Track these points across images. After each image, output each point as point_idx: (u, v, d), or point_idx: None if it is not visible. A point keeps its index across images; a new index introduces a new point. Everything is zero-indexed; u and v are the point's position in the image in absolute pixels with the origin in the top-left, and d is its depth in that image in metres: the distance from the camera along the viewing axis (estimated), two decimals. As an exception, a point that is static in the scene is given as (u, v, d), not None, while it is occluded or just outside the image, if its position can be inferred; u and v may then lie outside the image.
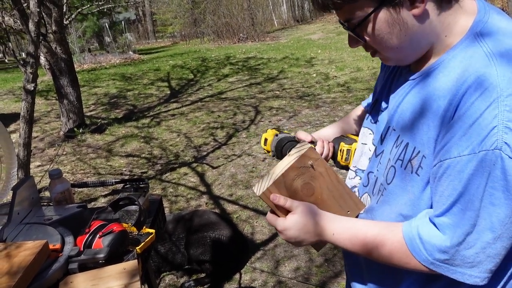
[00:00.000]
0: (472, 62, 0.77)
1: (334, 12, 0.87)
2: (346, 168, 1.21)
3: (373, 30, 0.83)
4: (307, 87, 7.33)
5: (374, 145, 1.04)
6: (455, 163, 0.75)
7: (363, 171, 1.08)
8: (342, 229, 0.94)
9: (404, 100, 0.91)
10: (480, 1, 0.85)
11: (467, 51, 0.80)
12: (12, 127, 6.48)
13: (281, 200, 0.95)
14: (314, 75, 8.16)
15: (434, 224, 0.81)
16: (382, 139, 0.99)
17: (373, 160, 1.02)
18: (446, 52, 0.84)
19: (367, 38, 0.86)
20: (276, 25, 19.40)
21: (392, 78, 1.01)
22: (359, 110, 1.32)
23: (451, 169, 0.76)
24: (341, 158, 1.21)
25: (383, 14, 0.81)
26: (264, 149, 1.36)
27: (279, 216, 0.97)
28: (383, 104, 1.02)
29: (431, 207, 0.85)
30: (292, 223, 0.94)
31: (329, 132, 1.33)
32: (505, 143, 0.70)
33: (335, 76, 7.77)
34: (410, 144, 0.87)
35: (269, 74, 8.76)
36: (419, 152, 0.84)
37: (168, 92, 8.28)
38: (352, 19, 0.84)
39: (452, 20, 0.82)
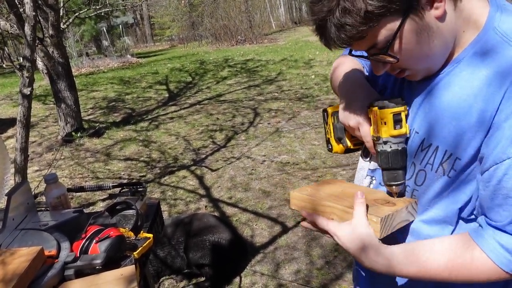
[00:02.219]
0: (505, 61, 0.75)
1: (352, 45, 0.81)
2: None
3: (402, 45, 0.78)
4: (305, 88, 7.32)
5: None
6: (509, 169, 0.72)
7: (372, 170, 1.04)
8: (404, 263, 0.85)
9: (425, 101, 0.87)
10: None
11: (493, 48, 0.77)
12: (9, 132, 6.46)
13: (357, 209, 0.87)
14: (313, 76, 8.15)
15: (507, 232, 0.77)
16: None
17: None
18: (465, 49, 0.82)
19: (398, 57, 0.80)
20: (274, 27, 19.42)
21: (399, 83, 0.96)
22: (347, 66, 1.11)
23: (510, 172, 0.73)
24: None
25: (409, 25, 0.76)
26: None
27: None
28: None
29: (461, 207, 0.84)
30: (342, 233, 0.88)
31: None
32: None
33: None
34: (441, 147, 0.83)
35: (268, 76, 8.75)
36: (451, 154, 0.82)
37: (167, 95, 8.26)
38: (376, 44, 0.78)
39: (466, 14, 0.80)
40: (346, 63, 1.12)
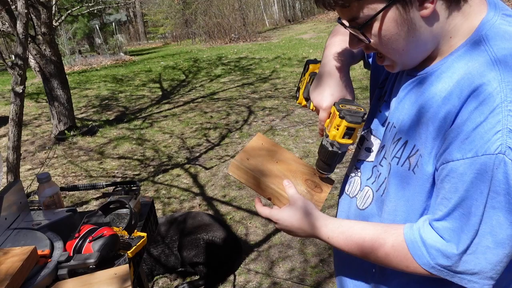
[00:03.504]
0: (476, 66, 0.76)
1: (336, 10, 0.83)
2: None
3: (380, 29, 0.80)
4: (299, 86, 7.32)
5: (379, 138, 1.02)
6: (458, 166, 0.74)
7: (362, 161, 1.06)
8: (337, 233, 0.94)
9: (405, 98, 0.90)
10: (492, 1, 0.82)
11: (472, 54, 0.78)
12: (1, 130, 6.41)
13: (289, 191, 1.01)
14: (306, 74, 8.15)
15: (433, 228, 0.80)
16: (384, 134, 0.99)
17: (378, 154, 1.00)
18: (450, 53, 0.82)
19: (372, 39, 0.83)
20: (267, 25, 19.40)
21: (396, 73, 0.99)
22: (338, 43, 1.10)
23: (454, 172, 0.75)
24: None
25: (392, 13, 0.78)
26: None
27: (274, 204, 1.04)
28: (386, 98, 1.01)
29: (426, 207, 0.85)
30: (284, 216, 1.00)
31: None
32: (509, 147, 0.69)
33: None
34: (410, 142, 0.86)
35: (262, 74, 8.74)
36: (417, 150, 0.84)
37: (160, 93, 8.23)
38: (357, 17, 0.80)
39: (459, 21, 0.80)
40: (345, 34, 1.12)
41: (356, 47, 0.88)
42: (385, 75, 1.05)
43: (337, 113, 0.93)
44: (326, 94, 0.99)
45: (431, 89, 0.83)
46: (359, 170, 1.07)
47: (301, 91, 1.11)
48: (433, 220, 0.80)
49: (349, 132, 0.93)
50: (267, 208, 1.03)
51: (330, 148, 0.98)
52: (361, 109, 0.93)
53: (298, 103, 1.15)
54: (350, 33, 0.86)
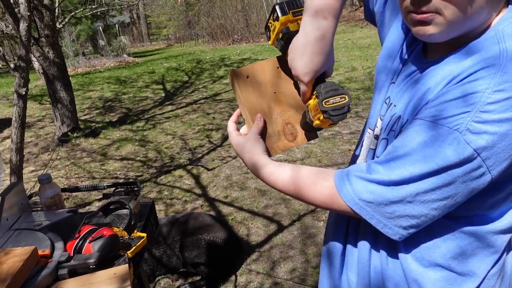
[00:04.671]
0: (483, 56, 0.75)
1: None
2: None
3: None
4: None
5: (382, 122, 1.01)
6: (416, 123, 0.78)
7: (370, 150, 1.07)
8: (273, 169, 0.98)
9: (411, 80, 0.90)
10: None
11: (484, 45, 0.77)
12: (5, 132, 6.45)
13: (253, 128, 1.04)
14: (309, 75, 8.15)
15: (369, 166, 0.84)
16: (385, 114, 0.99)
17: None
18: (465, 45, 0.81)
19: None
20: (270, 26, 19.40)
21: (404, 61, 0.97)
22: None
23: (411, 128, 0.79)
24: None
25: None
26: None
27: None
28: (395, 79, 1.00)
29: None
30: (235, 142, 1.08)
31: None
32: (469, 130, 0.71)
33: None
34: (404, 116, 0.87)
35: (264, 75, 8.74)
36: (404, 119, 0.86)
37: (163, 94, 8.26)
38: None
39: (493, 9, 0.79)
40: None
41: (424, 5, 0.77)
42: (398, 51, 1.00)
43: (321, 112, 0.92)
44: (308, 68, 0.93)
45: (436, 71, 0.83)
46: (364, 160, 1.07)
47: (273, 36, 1.02)
48: (374, 161, 0.84)
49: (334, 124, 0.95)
50: (234, 130, 1.10)
51: (313, 125, 0.98)
52: (345, 99, 0.91)
53: (270, 44, 1.08)
54: None
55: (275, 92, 1.07)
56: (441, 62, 0.84)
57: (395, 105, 0.92)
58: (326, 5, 0.88)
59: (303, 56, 0.93)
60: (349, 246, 1.07)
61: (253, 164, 1.02)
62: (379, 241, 0.96)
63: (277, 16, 0.97)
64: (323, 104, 0.91)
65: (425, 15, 0.78)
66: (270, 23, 1.02)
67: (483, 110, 0.71)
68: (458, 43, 0.82)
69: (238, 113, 1.10)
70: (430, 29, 0.79)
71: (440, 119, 0.75)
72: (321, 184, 0.89)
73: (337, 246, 1.10)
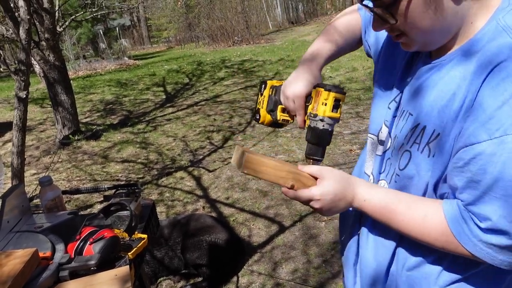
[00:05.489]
0: (496, 47, 0.75)
1: None
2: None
3: (407, 8, 0.79)
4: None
5: (387, 127, 1.01)
6: (485, 147, 0.72)
7: (377, 156, 1.06)
8: (374, 196, 0.93)
9: (422, 85, 0.89)
10: None
11: (494, 36, 0.77)
12: (7, 136, 6.47)
13: (312, 168, 0.97)
14: (309, 76, 8.15)
15: (473, 213, 0.78)
16: (393, 123, 0.98)
17: (390, 145, 0.99)
18: (469, 40, 0.81)
19: (397, 19, 0.81)
20: (270, 27, 19.43)
21: (409, 61, 0.98)
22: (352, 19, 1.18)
23: (481, 154, 0.72)
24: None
25: None
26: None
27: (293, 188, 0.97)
28: (394, 88, 1.00)
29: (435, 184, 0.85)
30: (327, 188, 0.93)
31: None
32: None
33: (331, 77, 7.77)
34: (428, 127, 0.84)
35: (265, 77, 8.75)
36: (438, 134, 0.82)
37: (164, 96, 8.27)
38: None
39: (479, 5, 0.80)
40: (343, 22, 1.18)
41: (380, 29, 0.87)
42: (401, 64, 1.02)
43: (322, 89, 0.98)
44: (303, 83, 1.03)
45: (450, 73, 0.82)
46: (372, 165, 1.07)
47: (263, 106, 1.14)
48: (467, 204, 0.78)
49: (336, 105, 0.98)
50: (306, 190, 0.95)
51: (321, 127, 1.00)
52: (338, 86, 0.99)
53: (261, 123, 1.16)
54: (375, 14, 0.85)
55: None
56: (450, 62, 0.83)
57: (411, 114, 0.90)
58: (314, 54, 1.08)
59: (296, 77, 1.05)
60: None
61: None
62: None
63: (265, 85, 1.14)
64: (321, 84, 1.00)
65: (398, 39, 0.86)
66: (259, 100, 1.15)
67: None
68: (458, 38, 0.83)
69: (287, 189, 0.99)
70: (410, 46, 0.87)
71: (506, 129, 0.70)
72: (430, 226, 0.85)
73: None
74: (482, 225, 0.76)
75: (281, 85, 1.12)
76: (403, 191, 0.92)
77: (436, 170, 0.83)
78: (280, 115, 1.12)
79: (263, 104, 1.15)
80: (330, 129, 1.01)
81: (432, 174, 0.84)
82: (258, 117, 1.16)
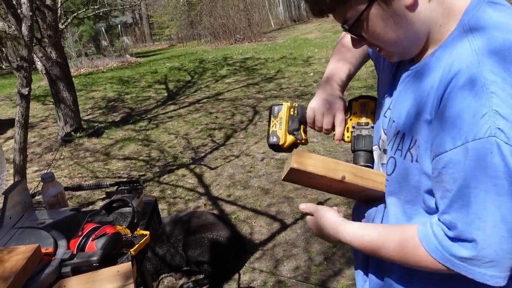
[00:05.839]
0: (458, 55, 0.76)
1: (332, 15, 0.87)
2: None
3: (369, 27, 0.83)
4: (304, 86, 7.32)
5: (386, 135, 1.03)
6: (451, 155, 0.73)
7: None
8: (353, 235, 0.95)
9: (401, 92, 0.92)
10: None
11: (456, 44, 0.79)
12: (9, 132, 6.47)
13: (311, 207, 1.07)
14: (312, 74, 8.15)
15: (440, 221, 0.79)
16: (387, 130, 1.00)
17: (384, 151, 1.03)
18: (440, 44, 0.83)
19: (365, 36, 0.86)
20: (272, 25, 19.39)
21: (395, 69, 1.00)
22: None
23: (449, 163, 0.73)
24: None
25: (375, 10, 0.80)
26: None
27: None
28: (387, 97, 1.02)
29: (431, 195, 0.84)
30: (311, 224, 1.08)
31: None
32: (499, 129, 0.67)
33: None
34: (407, 134, 0.86)
35: (267, 74, 8.75)
36: (416, 141, 0.84)
37: (166, 94, 8.27)
38: (347, 20, 0.84)
39: (445, 8, 0.81)
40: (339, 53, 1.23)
41: (358, 46, 0.91)
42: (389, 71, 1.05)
43: (371, 100, 1.10)
44: (341, 99, 1.12)
45: (423, 81, 0.84)
46: None
47: (283, 128, 1.12)
48: (440, 214, 0.79)
49: (373, 111, 1.10)
50: (312, 205, 1.08)
51: (364, 134, 1.07)
52: (369, 121, 1.08)
53: (281, 145, 1.12)
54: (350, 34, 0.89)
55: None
56: (423, 66, 0.85)
57: (393, 121, 0.93)
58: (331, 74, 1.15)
59: (330, 108, 1.11)
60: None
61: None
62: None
63: (279, 107, 1.14)
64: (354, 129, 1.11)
65: (379, 52, 0.91)
66: (273, 122, 1.14)
67: (496, 105, 0.69)
68: (431, 42, 0.85)
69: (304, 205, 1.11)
70: (391, 57, 0.91)
71: (467, 137, 0.71)
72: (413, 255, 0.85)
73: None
74: (450, 233, 0.76)
75: (302, 105, 1.14)
76: (396, 195, 0.94)
77: (422, 174, 0.84)
78: (303, 135, 1.13)
79: (281, 126, 1.12)
80: (371, 134, 1.07)
81: (418, 179, 0.85)
82: (275, 140, 1.12)
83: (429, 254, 0.80)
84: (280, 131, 1.12)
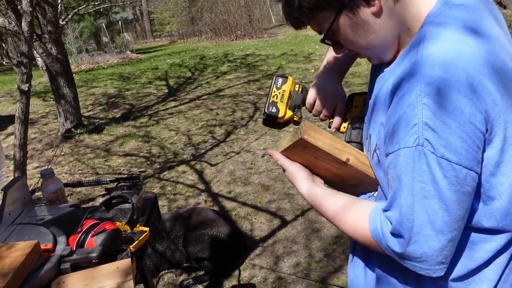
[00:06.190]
0: (407, 64, 0.79)
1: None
2: None
3: (341, 36, 0.88)
4: (305, 82, 7.28)
5: None
6: (391, 158, 0.79)
7: None
8: (315, 197, 1.00)
9: (373, 94, 0.95)
10: None
11: (411, 52, 0.81)
12: (9, 129, 6.47)
13: (276, 157, 1.07)
14: (312, 70, 8.14)
15: (385, 216, 0.83)
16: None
17: None
18: (404, 50, 0.85)
19: (342, 43, 0.91)
20: (273, 21, 19.35)
21: (378, 71, 1.01)
22: None
23: (390, 164, 0.80)
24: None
25: (343, 20, 0.84)
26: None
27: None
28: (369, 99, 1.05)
29: None
30: (287, 174, 1.07)
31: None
32: (426, 139, 0.73)
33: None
34: (373, 135, 0.91)
35: (268, 71, 8.73)
36: (376, 144, 0.88)
37: (166, 90, 8.26)
38: (322, 30, 0.89)
39: (411, 13, 0.83)
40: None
41: (340, 52, 0.96)
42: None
43: (364, 96, 1.10)
44: (342, 90, 1.15)
45: (384, 86, 0.87)
46: None
47: (284, 101, 1.09)
48: (384, 207, 0.83)
49: None
50: (287, 161, 1.07)
51: (363, 127, 1.05)
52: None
53: (280, 117, 1.09)
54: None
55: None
56: (390, 71, 0.87)
57: (365, 123, 0.97)
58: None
59: (330, 84, 1.14)
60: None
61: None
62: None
63: (284, 79, 1.11)
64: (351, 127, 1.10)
65: (359, 56, 0.95)
66: (273, 93, 1.10)
67: (427, 117, 0.73)
68: (402, 45, 0.87)
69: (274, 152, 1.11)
70: (371, 61, 0.95)
71: (400, 143, 0.76)
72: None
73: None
74: (389, 227, 0.81)
75: (305, 85, 1.14)
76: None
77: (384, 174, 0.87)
78: (301, 114, 1.13)
79: (282, 98, 1.09)
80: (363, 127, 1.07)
81: (383, 178, 0.89)
82: (274, 111, 1.09)
83: (372, 237, 0.85)
84: (281, 104, 1.09)
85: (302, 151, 0.99)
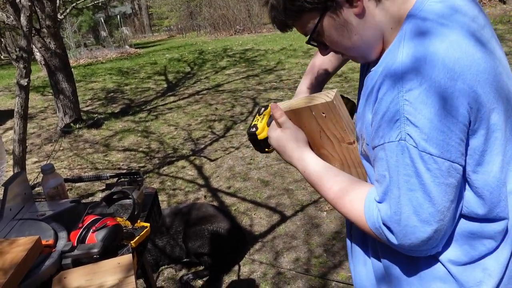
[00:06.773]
0: (389, 62, 0.80)
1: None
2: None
3: (325, 37, 0.90)
4: (304, 78, 7.29)
5: None
6: (377, 151, 0.82)
7: None
8: (312, 172, 0.98)
9: (361, 92, 0.96)
10: None
11: (394, 50, 0.82)
12: (8, 123, 6.46)
13: (278, 112, 1.02)
14: (312, 65, 8.12)
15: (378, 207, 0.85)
16: None
17: None
18: (388, 48, 0.86)
19: (327, 44, 0.93)
20: (272, 16, 19.32)
21: (366, 71, 1.03)
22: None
23: (377, 156, 0.82)
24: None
25: (327, 21, 0.87)
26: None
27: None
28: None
29: None
30: (276, 136, 1.04)
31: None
32: (408, 134, 0.75)
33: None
34: (364, 134, 0.91)
35: (267, 66, 8.72)
36: (364, 139, 0.90)
37: (165, 85, 8.24)
38: (307, 32, 0.91)
39: (393, 11, 0.85)
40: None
41: (325, 53, 0.97)
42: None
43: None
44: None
45: (371, 84, 0.88)
46: None
47: (264, 122, 1.16)
48: (376, 197, 0.85)
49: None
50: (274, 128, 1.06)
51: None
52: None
53: (257, 134, 1.15)
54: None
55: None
56: (375, 71, 0.88)
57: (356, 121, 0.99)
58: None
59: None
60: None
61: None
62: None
63: (265, 109, 1.17)
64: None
65: (344, 57, 0.97)
66: (257, 118, 1.18)
67: (408, 112, 0.75)
68: (386, 45, 0.88)
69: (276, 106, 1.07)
70: (356, 61, 0.97)
71: (385, 138, 0.79)
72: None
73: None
74: (383, 221, 0.84)
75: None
76: None
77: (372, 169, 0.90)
78: None
79: (262, 120, 1.17)
80: None
81: (372, 175, 0.92)
82: (253, 130, 1.16)
83: (365, 219, 0.86)
84: (260, 124, 1.16)
85: (309, 118, 1.01)
